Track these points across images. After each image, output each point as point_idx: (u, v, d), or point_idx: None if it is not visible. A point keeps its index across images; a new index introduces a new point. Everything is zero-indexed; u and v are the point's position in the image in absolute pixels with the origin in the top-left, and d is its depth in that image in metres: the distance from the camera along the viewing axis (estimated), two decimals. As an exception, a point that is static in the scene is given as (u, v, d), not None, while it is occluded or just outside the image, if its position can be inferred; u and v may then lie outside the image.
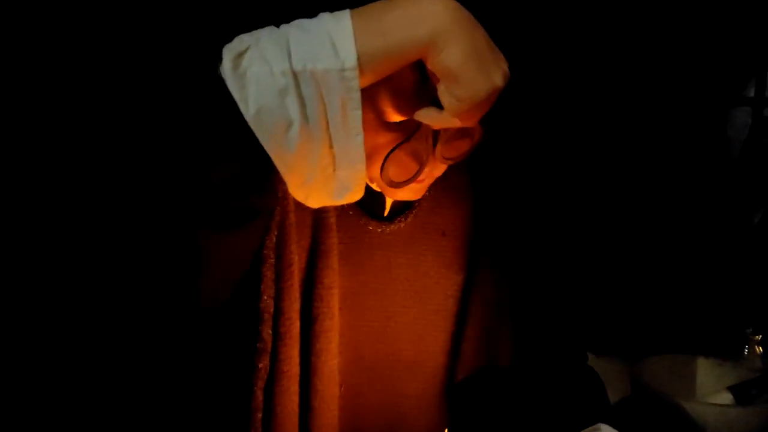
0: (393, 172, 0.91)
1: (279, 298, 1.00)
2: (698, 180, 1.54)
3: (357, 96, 0.76)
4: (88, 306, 0.88)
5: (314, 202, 0.84)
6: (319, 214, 1.02)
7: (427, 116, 0.85)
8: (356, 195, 0.84)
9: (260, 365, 0.99)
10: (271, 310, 0.99)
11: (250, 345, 0.99)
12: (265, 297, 0.98)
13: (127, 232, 0.83)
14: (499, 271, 1.11)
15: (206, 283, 0.91)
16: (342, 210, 1.04)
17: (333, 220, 1.02)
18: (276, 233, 0.98)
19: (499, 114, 1.00)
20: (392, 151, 0.88)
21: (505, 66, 0.80)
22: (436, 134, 0.91)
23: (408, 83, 0.87)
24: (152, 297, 0.89)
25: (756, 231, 1.56)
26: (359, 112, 0.77)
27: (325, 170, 0.80)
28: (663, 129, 1.46)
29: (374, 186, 0.99)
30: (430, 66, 0.79)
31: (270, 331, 0.99)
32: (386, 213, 1.07)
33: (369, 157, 0.89)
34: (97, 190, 0.80)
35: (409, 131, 0.89)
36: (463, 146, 0.94)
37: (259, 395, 1.00)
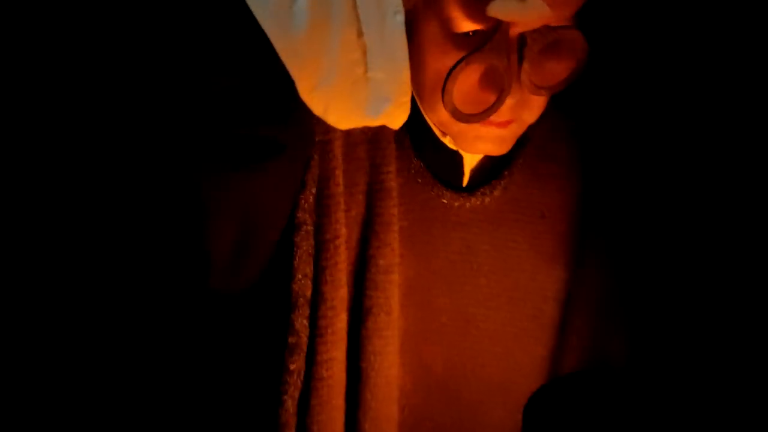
0: (460, 97, 0.67)
1: (319, 279, 0.77)
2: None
3: None
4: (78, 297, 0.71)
5: (337, 119, 0.62)
6: (376, 176, 0.79)
7: (503, 8, 0.62)
8: (399, 114, 0.61)
9: (292, 366, 0.77)
10: (308, 294, 0.77)
11: (280, 339, 0.77)
12: (300, 276, 0.77)
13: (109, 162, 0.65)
14: (612, 266, 0.83)
15: (218, 252, 0.70)
16: (407, 174, 0.81)
17: (393, 184, 0.79)
18: (314, 192, 0.76)
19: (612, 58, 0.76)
20: (458, 63, 0.65)
21: None
22: (521, 49, 0.67)
23: None
24: (146, 263, 0.69)
25: None
26: None
27: (352, 69, 0.58)
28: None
29: (438, 127, 0.76)
30: None
31: (305, 322, 0.77)
32: (465, 182, 0.82)
33: (434, 86, 0.67)
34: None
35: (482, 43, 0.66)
36: (560, 69, 0.69)
37: (290, 406, 0.77)
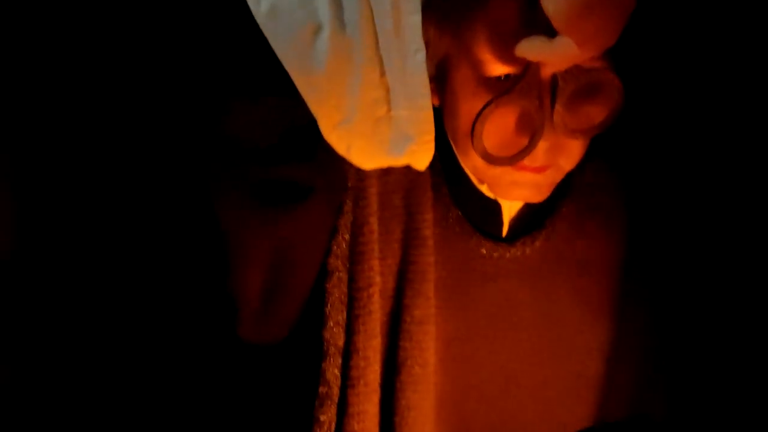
0: (492, 140, 0.66)
1: (352, 328, 0.76)
2: None
3: None
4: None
5: (361, 158, 0.61)
6: (412, 224, 0.78)
7: (531, 48, 0.61)
8: (423, 153, 0.60)
9: (322, 417, 0.75)
10: (340, 343, 0.75)
11: (310, 389, 0.75)
12: (331, 324, 0.75)
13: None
14: (658, 319, 0.78)
15: (246, 298, 0.70)
16: (444, 223, 0.79)
17: (429, 232, 0.78)
18: (347, 238, 0.75)
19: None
20: (487, 105, 0.64)
21: None
22: (553, 91, 0.66)
23: (510, 14, 0.65)
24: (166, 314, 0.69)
25: None
26: (418, 18, 0.55)
27: (375, 108, 0.58)
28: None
29: (473, 174, 0.75)
30: None
31: (337, 372, 0.75)
32: (504, 232, 0.80)
33: (467, 130, 0.66)
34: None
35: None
36: (595, 112, 0.68)
37: (320, 461, 0.74)
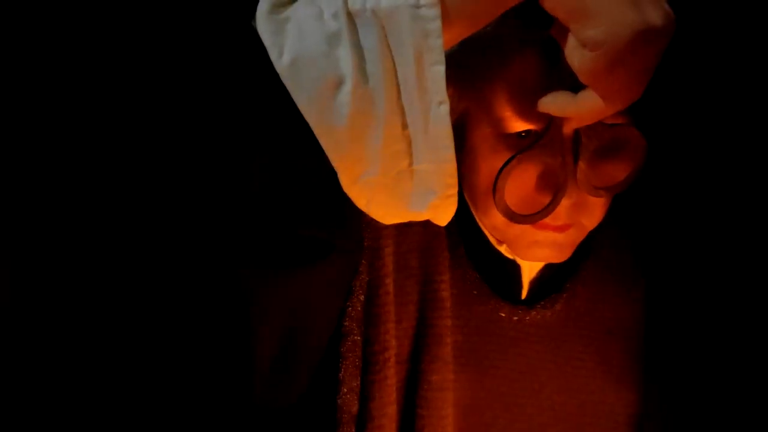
0: (513, 197, 0.64)
1: (366, 394, 0.73)
2: None
3: (438, 44, 0.53)
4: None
5: (382, 213, 0.59)
6: (428, 285, 0.75)
7: (555, 103, 0.60)
8: (445, 207, 0.58)
9: (335, 490, 0.70)
10: (354, 410, 0.72)
11: (323, 459, 0.71)
12: (345, 390, 0.72)
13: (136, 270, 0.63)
14: (686, 385, 0.75)
15: (261, 358, 0.67)
16: (461, 285, 0.77)
17: (446, 294, 0.75)
18: (362, 300, 0.72)
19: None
20: (509, 161, 0.62)
21: (665, 4, 0.54)
22: (576, 148, 0.64)
23: (532, 70, 0.64)
24: (183, 378, 0.67)
25: None
26: (442, 69, 0.54)
27: (397, 161, 0.56)
28: None
29: (493, 234, 0.73)
30: (548, 4, 0.54)
31: (351, 442, 0.71)
32: (524, 294, 0.78)
33: (487, 189, 0.65)
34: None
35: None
36: (619, 169, 0.66)
37: None
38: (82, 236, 0.72)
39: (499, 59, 0.65)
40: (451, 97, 0.70)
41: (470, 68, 0.67)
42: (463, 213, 0.76)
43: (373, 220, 0.71)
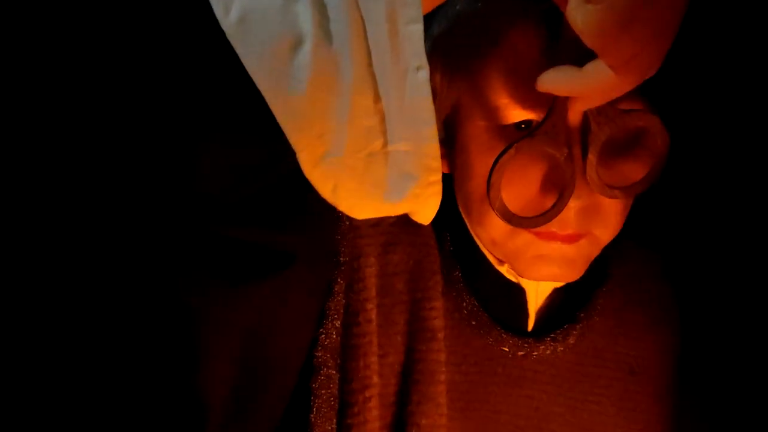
0: (512, 196, 0.54)
1: (343, 440, 0.61)
2: None
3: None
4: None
5: (349, 202, 0.49)
6: (417, 312, 0.65)
7: (557, 79, 0.50)
8: (427, 196, 0.48)
9: None
10: (328, 459, 0.60)
11: None
12: (317, 435, 0.60)
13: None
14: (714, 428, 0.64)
15: (214, 396, 0.57)
16: (457, 314, 0.66)
17: (438, 323, 0.65)
18: (338, 326, 0.62)
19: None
20: (506, 150, 0.53)
21: None
22: (585, 137, 0.54)
23: (530, 50, 0.55)
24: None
25: None
26: (420, 27, 0.45)
27: (368, 140, 0.47)
28: None
29: (491, 249, 0.63)
30: None
31: (324, 496, 0.60)
32: (531, 325, 0.67)
33: (483, 195, 0.55)
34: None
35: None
36: (636, 166, 0.56)
37: None
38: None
39: (490, 38, 0.57)
40: (438, 87, 0.61)
41: (459, 53, 0.59)
42: (458, 230, 0.66)
43: (351, 231, 0.62)
